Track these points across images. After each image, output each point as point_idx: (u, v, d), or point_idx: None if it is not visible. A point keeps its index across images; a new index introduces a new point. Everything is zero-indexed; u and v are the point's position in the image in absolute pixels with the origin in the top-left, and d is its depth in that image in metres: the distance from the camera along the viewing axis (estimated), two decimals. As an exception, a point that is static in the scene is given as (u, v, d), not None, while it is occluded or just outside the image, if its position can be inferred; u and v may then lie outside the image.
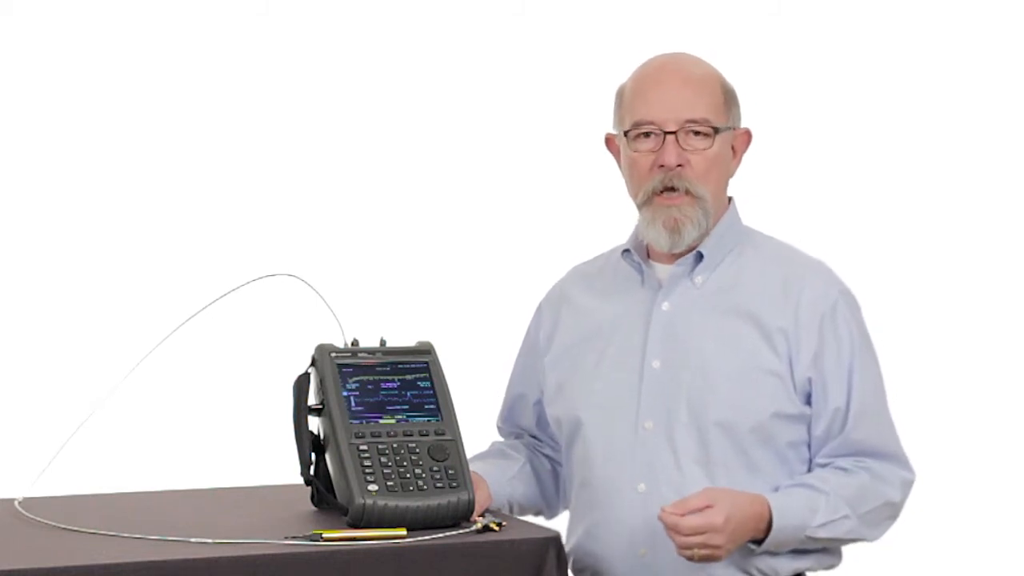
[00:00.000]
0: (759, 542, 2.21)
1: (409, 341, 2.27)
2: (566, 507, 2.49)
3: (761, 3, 4.17)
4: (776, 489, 2.26)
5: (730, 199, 2.42)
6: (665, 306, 2.36)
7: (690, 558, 2.14)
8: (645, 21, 4.09)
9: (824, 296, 2.32)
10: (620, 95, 2.40)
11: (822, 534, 2.24)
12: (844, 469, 2.28)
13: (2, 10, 3.96)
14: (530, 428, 2.55)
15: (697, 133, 2.31)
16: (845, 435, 2.29)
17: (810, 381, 2.29)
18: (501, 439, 2.58)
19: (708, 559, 2.15)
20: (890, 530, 2.35)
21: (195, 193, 4.05)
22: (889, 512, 2.31)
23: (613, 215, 2.63)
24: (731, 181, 2.42)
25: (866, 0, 4.15)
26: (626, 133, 2.35)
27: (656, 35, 3.91)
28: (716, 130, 2.32)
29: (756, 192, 2.52)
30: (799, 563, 2.31)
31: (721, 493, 2.17)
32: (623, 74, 2.44)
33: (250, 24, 4.09)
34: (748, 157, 2.43)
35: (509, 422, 2.58)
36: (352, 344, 2.24)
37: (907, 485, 2.33)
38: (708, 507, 2.13)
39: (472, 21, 4.16)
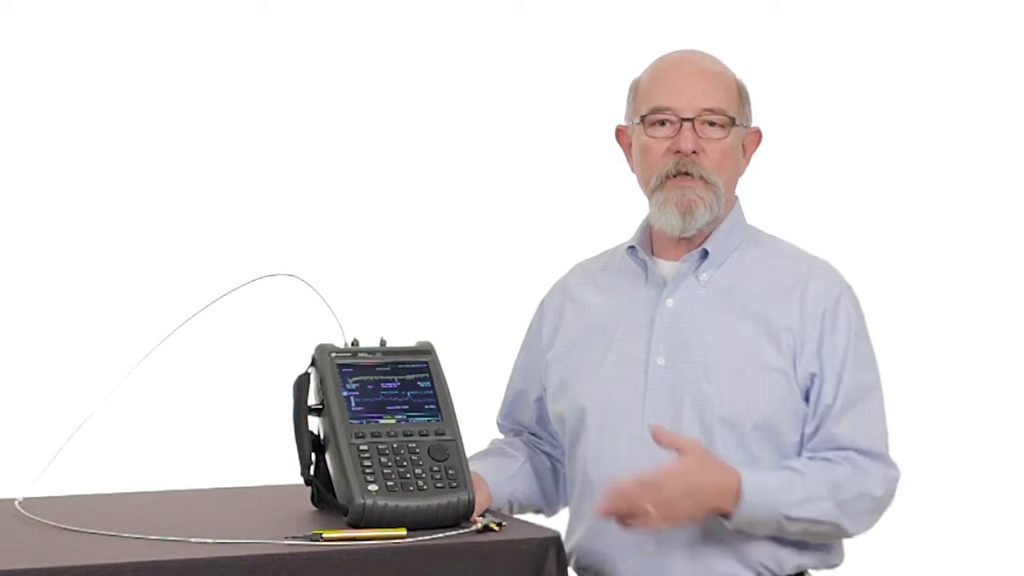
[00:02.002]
0: (729, 517, 2.20)
1: (409, 341, 2.27)
2: (566, 505, 2.49)
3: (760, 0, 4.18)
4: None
5: (736, 198, 2.43)
6: (670, 303, 2.36)
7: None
8: (643, 19, 4.09)
9: (828, 292, 2.33)
10: (635, 85, 2.41)
11: (798, 513, 2.21)
12: (826, 459, 2.26)
13: (2, 9, 3.96)
14: (530, 425, 2.55)
15: (713, 124, 2.33)
16: (826, 429, 2.28)
17: (812, 377, 2.29)
18: (501, 436, 2.58)
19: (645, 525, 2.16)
20: (893, 529, 2.34)
21: (195, 193, 4.05)
22: (871, 505, 2.28)
23: (613, 214, 2.63)
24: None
25: (865, -2, 4.17)
26: (642, 119, 2.36)
27: (654, 32, 3.92)
28: (732, 121, 2.34)
29: (755, 190, 2.52)
30: (803, 559, 2.31)
31: (696, 457, 2.18)
32: (622, 71, 2.44)
33: (249, 23, 4.09)
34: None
35: (509, 418, 2.58)
36: (352, 344, 2.24)
37: (890, 481, 2.30)
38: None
39: (471, 19, 4.16)
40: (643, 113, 2.36)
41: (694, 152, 2.32)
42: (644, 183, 2.39)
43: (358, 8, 4.13)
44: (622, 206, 2.54)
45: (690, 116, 2.32)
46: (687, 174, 2.32)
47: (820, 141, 4.10)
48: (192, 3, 4.05)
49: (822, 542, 2.32)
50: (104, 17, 4.00)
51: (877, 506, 2.29)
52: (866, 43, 4.15)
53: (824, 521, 2.25)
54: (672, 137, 2.33)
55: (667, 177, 2.33)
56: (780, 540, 2.29)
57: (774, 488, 2.21)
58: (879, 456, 2.29)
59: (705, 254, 2.37)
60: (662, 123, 2.34)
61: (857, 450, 2.28)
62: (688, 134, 2.32)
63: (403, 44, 4.15)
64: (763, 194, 2.60)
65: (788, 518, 2.22)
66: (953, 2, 4.13)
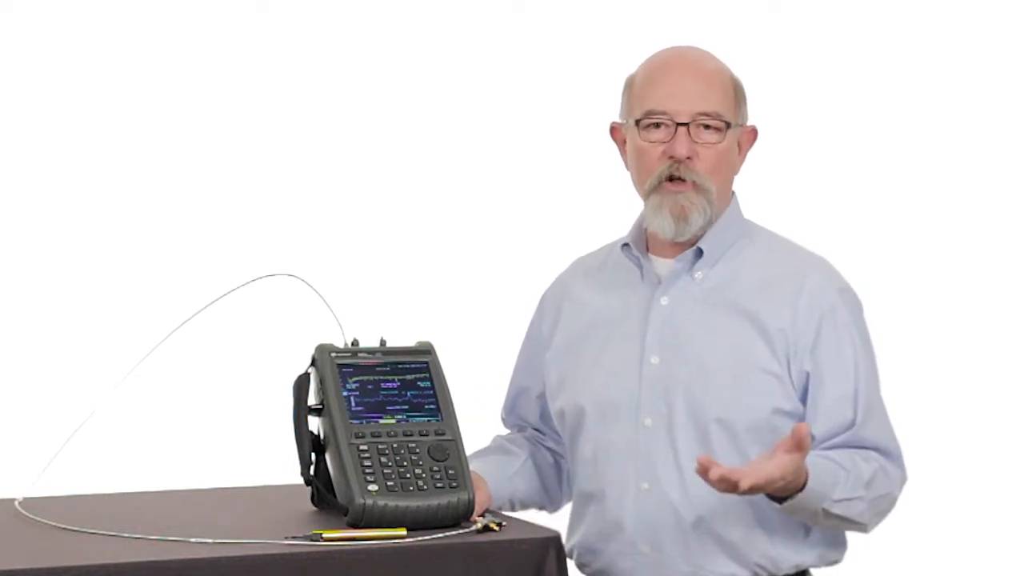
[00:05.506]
0: (780, 500, 2.18)
1: (409, 341, 2.27)
2: (569, 500, 2.49)
3: None
4: None
5: (732, 193, 2.42)
6: (664, 301, 2.36)
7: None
8: (643, 19, 4.09)
9: (823, 292, 2.32)
10: (630, 84, 2.39)
11: (837, 510, 2.22)
12: (863, 458, 2.27)
13: (2, 9, 3.96)
14: (534, 421, 2.55)
15: (708, 127, 2.31)
16: (854, 432, 2.28)
17: (808, 375, 2.29)
18: (505, 431, 2.58)
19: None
20: (895, 529, 2.35)
21: (195, 193, 4.05)
22: (888, 505, 2.31)
23: (612, 213, 2.63)
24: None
25: (865, -4, 4.17)
26: (637, 122, 2.34)
27: (654, 32, 3.90)
28: (727, 125, 2.32)
29: (754, 189, 2.52)
30: (801, 557, 2.31)
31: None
32: (620, 69, 2.43)
33: (249, 22, 4.09)
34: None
35: (513, 415, 2.58)
36: (352, 344, 2.24)
37: (903, 484, 2.33)
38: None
39: (471, 19, 4.16)
40: (637, 116, 2.34)
41: (688, 157, 2.31)
42: (639, 185, 2.39)
43: (358, 8, 4.13)
44: (621, 205, 2.54)
45: (685, 120, 2.30)
46: (680, 179, 2.32)
47: (820, 140, 4.10)
48: (192, 3, 4.05)
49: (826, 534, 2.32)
50: (104, 17, 4.00)
51: (892, 506, 2.32)
52: (866, 43, 4.15)
53: (854, 520, 2.26)
54: (666, 141, 2.31)
55: (660, 181, 2.33)
56: (776, 540, 2.29)
57: (825, 480, 2.19)
58: (898, 457, 2.32)
59: (700, 253, 2.36)
60: (656, 125, 2.33)
61: (880, 450, 2.29)
62: (682, 139, 2.30)
63: (403, 44, 4.15)
64: (762, 194, 2.60)
65: (827, 512, 2.22)
66: (953, 2, 4.13)
